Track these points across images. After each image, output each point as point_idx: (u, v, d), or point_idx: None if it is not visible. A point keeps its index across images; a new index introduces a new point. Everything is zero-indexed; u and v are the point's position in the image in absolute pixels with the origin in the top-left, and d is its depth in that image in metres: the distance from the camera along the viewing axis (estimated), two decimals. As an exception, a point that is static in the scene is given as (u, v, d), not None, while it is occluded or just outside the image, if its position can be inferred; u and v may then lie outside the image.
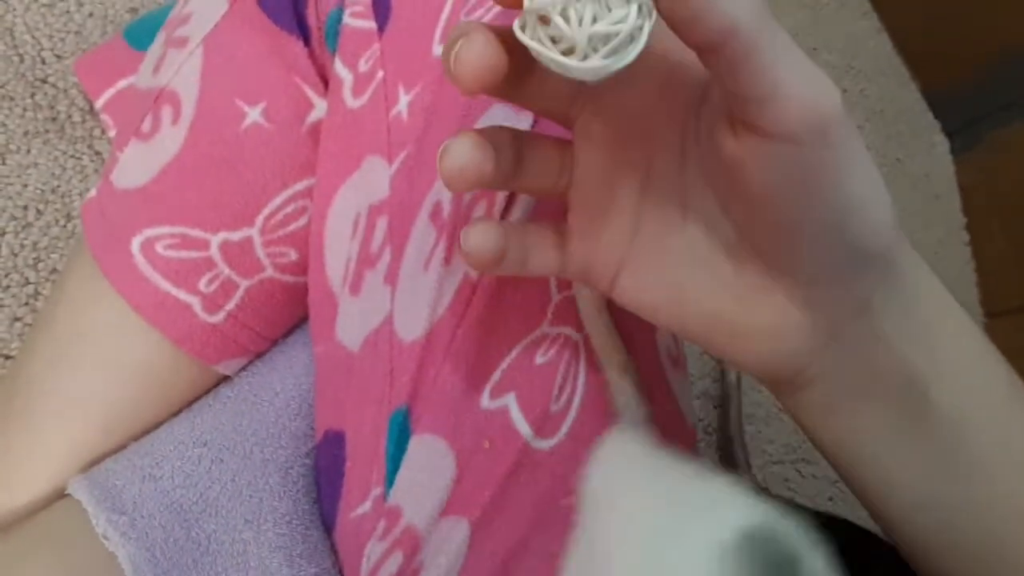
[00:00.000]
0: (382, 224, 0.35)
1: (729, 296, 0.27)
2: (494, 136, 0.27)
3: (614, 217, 0.28)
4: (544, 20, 0.21)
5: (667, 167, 0.27)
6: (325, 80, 0.37)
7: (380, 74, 0.35)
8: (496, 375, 0.35)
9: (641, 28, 0.21)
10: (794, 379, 0.28)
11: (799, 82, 0.21)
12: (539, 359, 0.35)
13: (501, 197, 0.34)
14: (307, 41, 0.37)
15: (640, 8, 0.21)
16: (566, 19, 0.21)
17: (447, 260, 0.34)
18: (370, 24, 0.36)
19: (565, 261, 0.30)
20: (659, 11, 0.21)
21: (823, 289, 0.26)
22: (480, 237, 0.28)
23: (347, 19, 0.36)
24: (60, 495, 0.35)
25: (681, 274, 0.28)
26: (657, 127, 0.27)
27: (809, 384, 0.28)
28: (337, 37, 0.36)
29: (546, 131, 0.35)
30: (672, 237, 0.28)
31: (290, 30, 0.36)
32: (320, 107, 0.37)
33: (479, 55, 0.22)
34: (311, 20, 0.37)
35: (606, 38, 0.21)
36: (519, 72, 0.25)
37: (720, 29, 0.20)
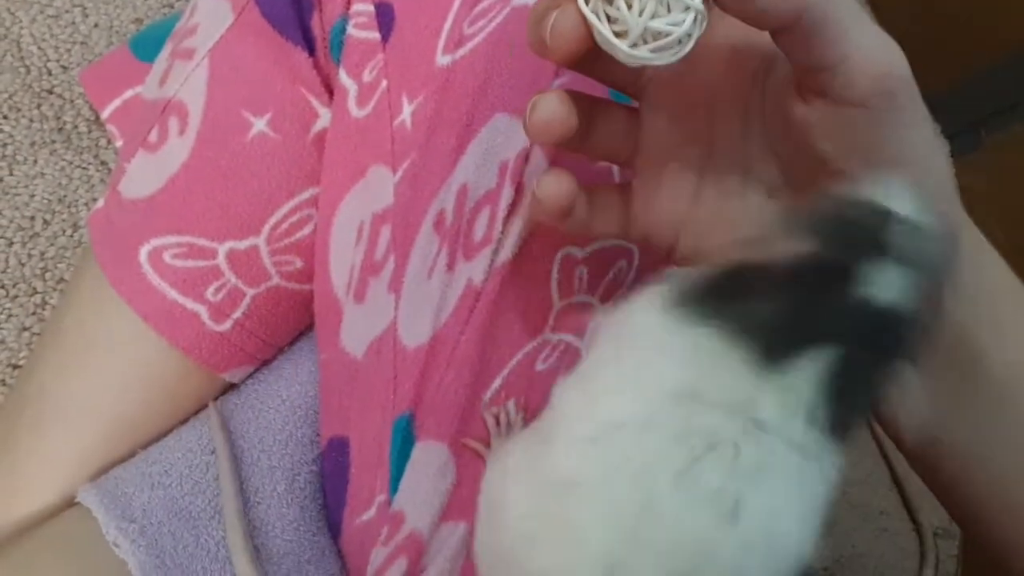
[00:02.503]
0: (386, 232, 0.36)
1: None
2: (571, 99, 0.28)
3: (675, 183, 0.30)
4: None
5: (730, 137, 0.29)
6: (330, 90, 0.37)
7: (384, 84, 0.36)
8: (497, 382, 0.35)
9: (691, 35, 0.23)
10: None
11: (867, 49, 0.23)
12: (539, 366, 0.35)
13: (504, 204, 0.35)
14: (312, 51, 0.37)
15: (696, 18, 0.23)
16: (628, 5, 0.23)
17: (450, 267, 0.35)
18: (374, 35, 0.36)
19: (628, 224, 0.31)
20: (727, 11, 0.23)
21: None
22: (554, 183, 0.29)
23: (351, 30, 0.36)
24: (70, 503, 0.36)
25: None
26: (722, 99, 0.28)
27: None
28: (341, 47, 0.36)
29: None
30: (732, 204, 0.29)
31: (295, 41, 0.37)
32: (325, 117, 0.37)
33: (574, 27, 0.24)
34: (316, 31, 0.37)
35: (658, 35, 0.23)
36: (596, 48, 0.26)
37: (789, 12, 0.22)
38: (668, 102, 0.29)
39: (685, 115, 0.29)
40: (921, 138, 0.25)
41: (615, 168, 0.37)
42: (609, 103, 0.30)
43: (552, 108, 0.26)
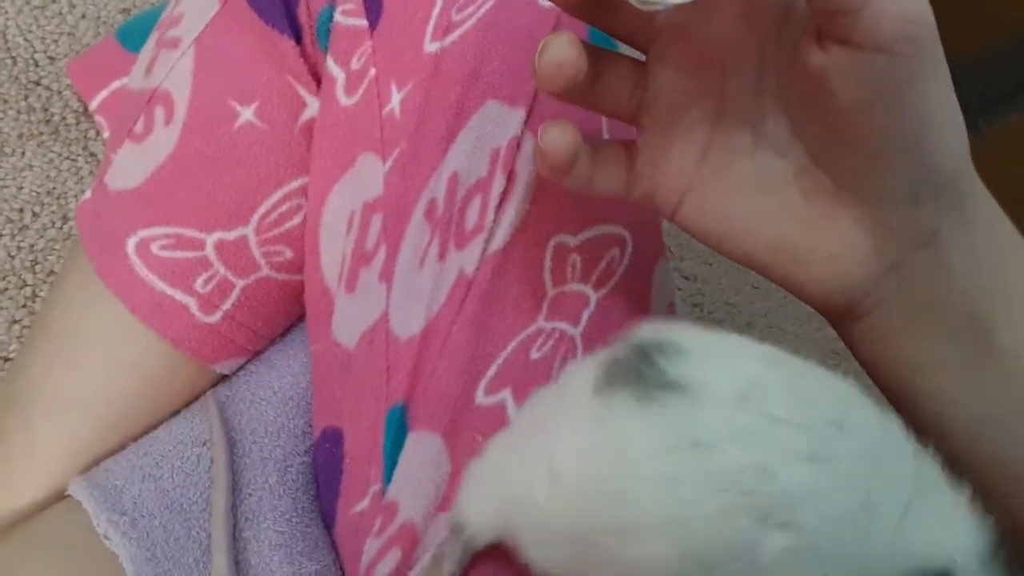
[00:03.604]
0: (377, 222, 0.35)
1: (796, 221, 0.28)
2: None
3: (683, 141, 0.29)
4: None
5: (741, 94, 0.28)
6: (317, 78, 0.37)
7: (372, 72, 0.35)
8: (491, 371, 0.35)
9: None
10: (854, 308, 0.29)
11: None
12: (534, 354, 0.35)
13: (496, 193, 0.34)
14: (298, 39, 0.37)
15: None
16: None
17: (442, 257, 0.34)
18: (361, 22, 0.36)
19: (631, 182, 0.30)
20: None
21: (892, 212, 0.27)
22: (558, 134, 0.28)
23: (338, 17, 0.36)
24: (60, 496, 0.36)
25: (748, 200, 0.29)
26: (733, 54, 0.27)
27: (868, 314, 0.29)
28: (329, 35, 0.36)
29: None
30: (740, 163, 0.28)
31: (281, 29, 0.36)
32: (313, 105, 0.37)
33: None
34: (302, 18, 0.37)
35: None
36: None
37: None
38: (678, 56, 0.28)
39: (695, 70, 0.28)
40: (942, 94, 0.25)
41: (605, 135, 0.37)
42: (616, 55, 0.30)
43: (563, 50, 0.26)
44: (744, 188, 0.29)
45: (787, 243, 0.28)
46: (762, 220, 0.29)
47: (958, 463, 0.29)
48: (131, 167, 0.37)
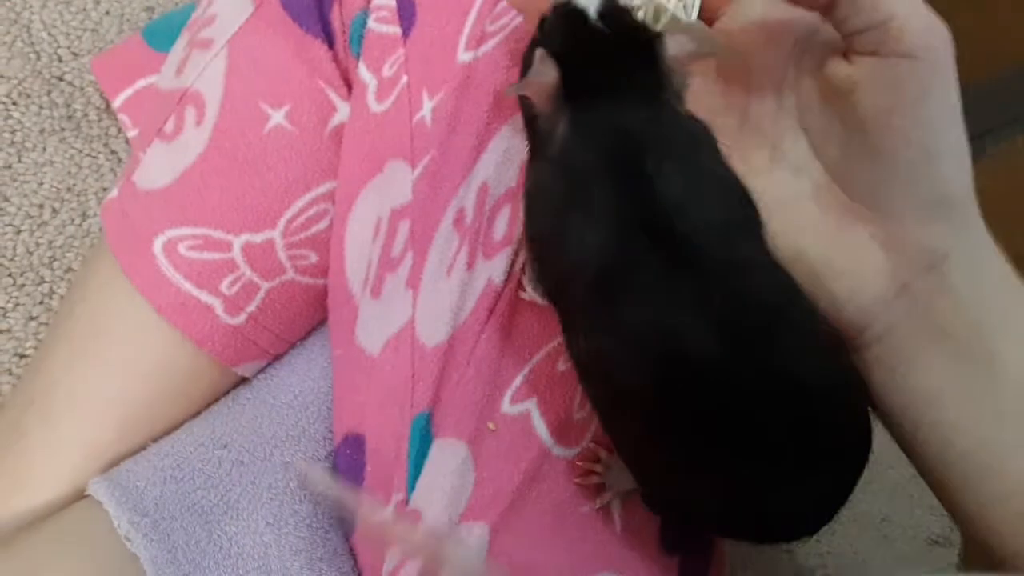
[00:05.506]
0: (404, 228, 0.35)
1: (813, 235, 0.29)
2: None
3: None
4: None
5: (761, 113, 0.30)
6: (349, 84, 0.37)
7: (404, 79, 0.35)
8: (518, 380, 0.35)
9: None
10: (865, 332, 0.29)
11: (910, 6, 0.26)
12: (561, 366, 0.35)
13: (525, 204, 0.34)
14: (331, 44, 0.37)
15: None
16: None
17: (470, 266, 0.34)
18: (395, 29, 0.36)
19: None
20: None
21: (906, 228, 0.28)
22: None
23: (372, 23, 0.36)
24: (79, 496, 0.35)
25: (765, 212, 0.29)
26: (757, 75, 0.29)
27: (877, 340, 0.29)
28: (362, 41, 0.36)
29: None
30: (759, 181, 0.29)
31: (315, 33, 0.37)
32: (343, 110, 0.37)
33: None
34: (336, 24, 0.37)
35: None
36: None
37: None
38: (703, 71, 0.30)
39: (720, 87, 0.30)
40: (952, 105, 0.27)
41: None
42: None
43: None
44: (761, 200, 0.29)
45: (803, 256, 0.29)
46: (780, 232, 0.29)
47: (968, 498, 0.29)
48: (160, 166, 0.37)
